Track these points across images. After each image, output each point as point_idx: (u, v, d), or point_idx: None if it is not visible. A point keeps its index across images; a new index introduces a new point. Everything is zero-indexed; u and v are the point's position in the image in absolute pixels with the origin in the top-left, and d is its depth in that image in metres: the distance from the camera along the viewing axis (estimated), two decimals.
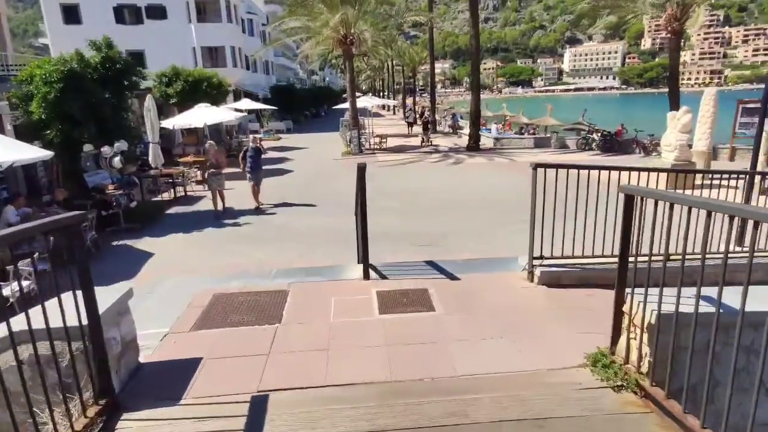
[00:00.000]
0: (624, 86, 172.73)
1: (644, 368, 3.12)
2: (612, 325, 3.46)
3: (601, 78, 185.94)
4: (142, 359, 3.76)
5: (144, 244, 9.93)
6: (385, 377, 3.50)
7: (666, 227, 2.91)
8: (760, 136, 8.60)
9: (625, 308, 3.34)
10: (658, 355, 2.92)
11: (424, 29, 44.87)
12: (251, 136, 12.35)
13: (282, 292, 5.12)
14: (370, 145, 24.31)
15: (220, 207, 11.59)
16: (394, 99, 59.83)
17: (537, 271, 5.22)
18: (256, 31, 41.99)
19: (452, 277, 5.51)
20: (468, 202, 12.25)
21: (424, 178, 16.26)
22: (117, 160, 10.96)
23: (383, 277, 5.56)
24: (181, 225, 11.10)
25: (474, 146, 22.84)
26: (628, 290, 3.32)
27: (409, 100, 48.46)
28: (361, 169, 5.07)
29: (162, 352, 3.94)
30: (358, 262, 5.98)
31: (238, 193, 13.12)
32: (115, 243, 10.07)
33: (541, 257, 5.25)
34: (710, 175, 11.59)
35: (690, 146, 14.45)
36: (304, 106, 45.54)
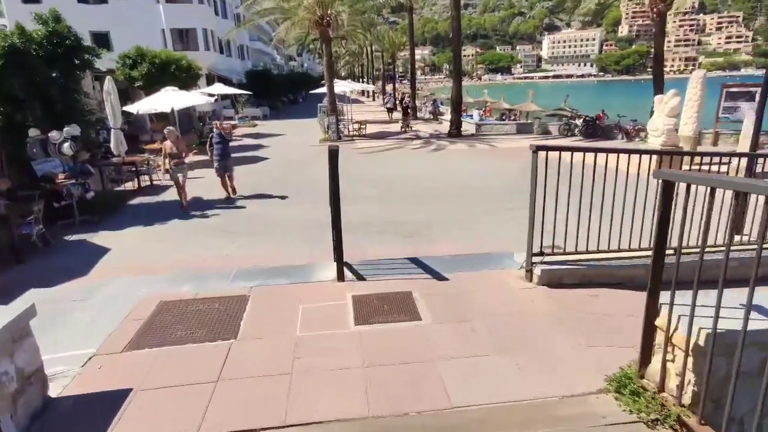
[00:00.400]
0: (601, 73, 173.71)
1: (686, 399, 2.49)
2: (641, 342, 2.82)
3: (579, 65, 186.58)
4: (55, 392, 2.98)
5: (100, 238, 9.00)
6: (362, 411, 2.80)
7: (708, 217, 2.26)
8: (761, 119, 8.12)
9: (659, 322, 2.70)
10: (709, 383, 2.29)
11: (403, 15, 43.88)
12: (215, 122, 11.28)
13: (241, 298, 4.35)
14: (348, 131, 23.46)
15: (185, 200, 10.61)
16: (373, 85, 58.65)
17: (537, 270, 4.55)
18: (229, 13, 40.22)
19: (439, 277, 4.82)
20: (451, 189, 11.61)
21: (405, 165, 15.55)
22: (67, 146, 9.89)
23: (360, 277, 4.82)
24: (144, 217, 10.16)
25: (455, 132, 22.18)
26: (665, 298, 2.67)
27: (388, 87, 47.49)
28: (333, 154, 4.30)
29: (83, 382, 3.15)
30: (335, 260, 5.25)
31: (207, 182, 12.20)
32: (68, 237, 9.11)
33: (542, 254, 4.59)
34: (696, 160, 11.18)
35: (676, 131, 14.04)
36: (281, 92, 44.08)
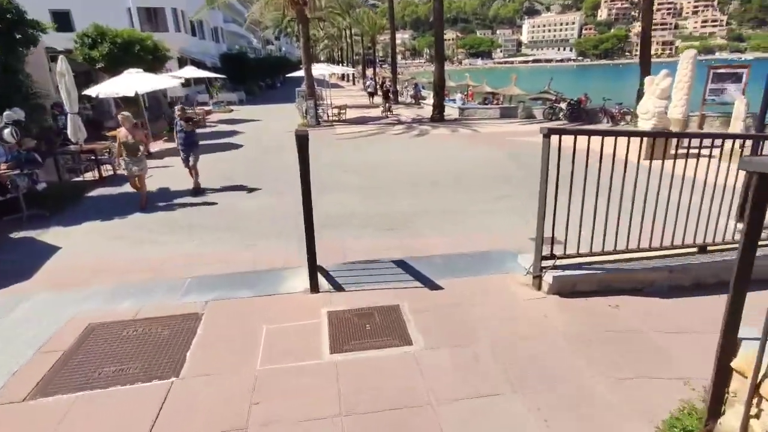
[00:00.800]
0: (580, 58, 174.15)
1: None
2: (710, 388, 2.12)
3: (559, 50, 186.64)
4: None
5: (51, 235, 8.03)
6: None
7: None
8: (767, 104, 7.60)
9: (738, 364, 2.01)
10: None
11: None
12: (176, 107, 10.18)
13: (192, 317, 3.53)
14: (328, 116, 22.50)
15: (146, 196, 9.50)
16: (353, 68, 57.45)
17: (547, 276, 3.84)
18: None
19: (432, 285, 4.06)
20: (435, 176, 10.91)
21: (387, 151, 14.73)
22: (7, 133, 8.80)
23: (338, 287, 4.03)
24: (103, 211, 9.17)
25: (438, 117, 21.41)
26: (745, 331, 1.98)
27: (369, 71, 46.45)
28: (302, 140, 3.47)
29: None
30: (308, 267, 4.43)
31: (176, 172, 11.19)
32: (13, 234, 8.12)
33: (553, 256, 3.88)
34: (685, 144, 10.66)
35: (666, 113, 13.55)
36: (258, 76, 42.55)
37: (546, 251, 3.87)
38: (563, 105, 21.35)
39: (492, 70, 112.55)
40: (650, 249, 4.17)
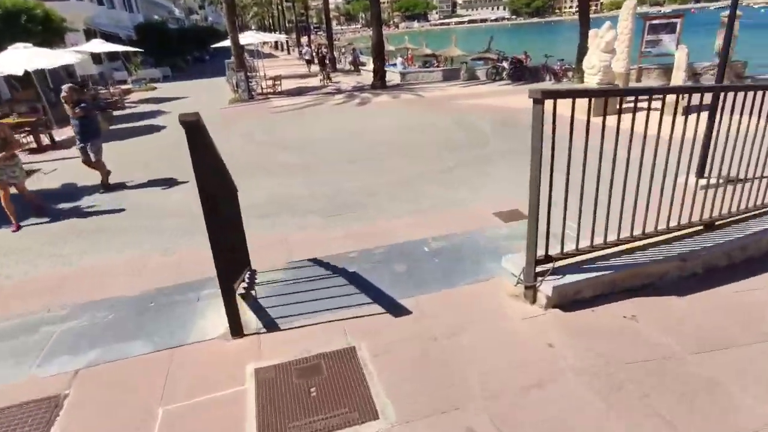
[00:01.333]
0: (514, 16, 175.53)
1: None
2: None
3: (493, 9, 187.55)
4: None
5: None
6: None
7: None
8: (727, 52, 7.13)
9: None
10: None
11: None
12: (63, 87, 8.11)
13: (49, 403, 2.34)
14: (262, 89, 20.88)
15: (34, 197, 7.57)
16: (286, 35, 54.61)
17: (545, 287, 2.93)
18: None
19: (395, 308, 3.04)
20: (382, 148, 10.01)
21: (328, 123, 13.58)
22: None
23: (270, 323, 2.90)
24: None
25: (380, 83, 20.30)
26: None
27: (304, 39, 44.16)
28: (191, 129, 2.29)
29: None
30: (224, 303, 3.22)
31: (77, 165, 9.47)
32: None
33: (549, 259, 2.98)
34: (628, 99, 10.29)
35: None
36: (183, 49, 39.06)
37: (540, 252, 2.97)
38: (506, 64, 20.90)
39: (429, 32, 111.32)
40: (657, 233, 3.39)
